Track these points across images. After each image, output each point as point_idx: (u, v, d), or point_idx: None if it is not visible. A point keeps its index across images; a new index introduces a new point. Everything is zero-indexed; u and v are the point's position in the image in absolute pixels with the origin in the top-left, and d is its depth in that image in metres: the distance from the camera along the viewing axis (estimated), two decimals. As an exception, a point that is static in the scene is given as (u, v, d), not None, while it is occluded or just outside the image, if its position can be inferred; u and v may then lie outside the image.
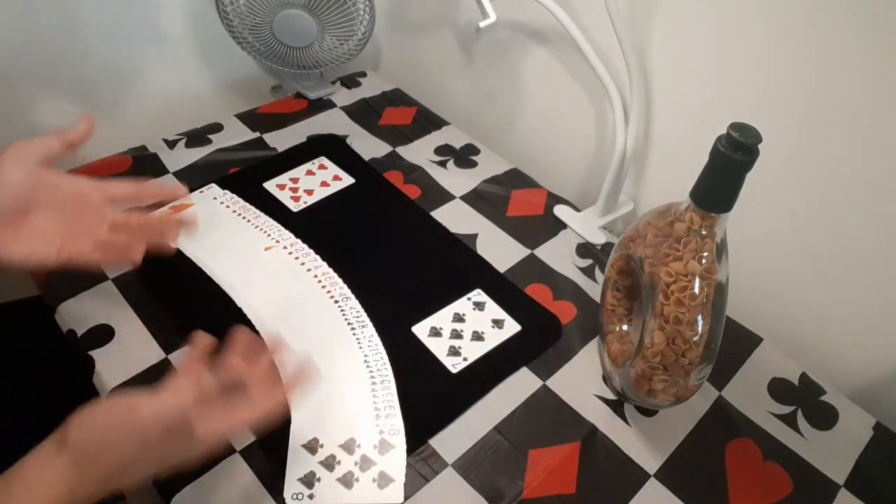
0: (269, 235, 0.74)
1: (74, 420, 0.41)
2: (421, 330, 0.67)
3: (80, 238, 0.56)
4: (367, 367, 0.62)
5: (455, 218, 0.80)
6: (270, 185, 0.81)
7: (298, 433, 0.57)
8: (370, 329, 0.66)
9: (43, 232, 0.54)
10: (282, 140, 0.89)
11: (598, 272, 0.76)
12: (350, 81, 1.03)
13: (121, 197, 0.58)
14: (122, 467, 0.41)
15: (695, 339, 0.51)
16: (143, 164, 0.82)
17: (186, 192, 0.63)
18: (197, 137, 0.88)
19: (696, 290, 0.51)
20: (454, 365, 0.64)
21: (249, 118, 0.93)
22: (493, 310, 0.69)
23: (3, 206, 0.52)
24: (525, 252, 0.78)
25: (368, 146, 0.90)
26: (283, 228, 0.75)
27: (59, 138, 0.55)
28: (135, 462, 0.42)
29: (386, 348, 0.64)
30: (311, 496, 0.53)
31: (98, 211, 0.57)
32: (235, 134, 0.90)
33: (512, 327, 0.68)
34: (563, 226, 0.82)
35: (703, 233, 0.51)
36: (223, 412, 0.47)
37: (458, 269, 0.74)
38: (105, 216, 0.58)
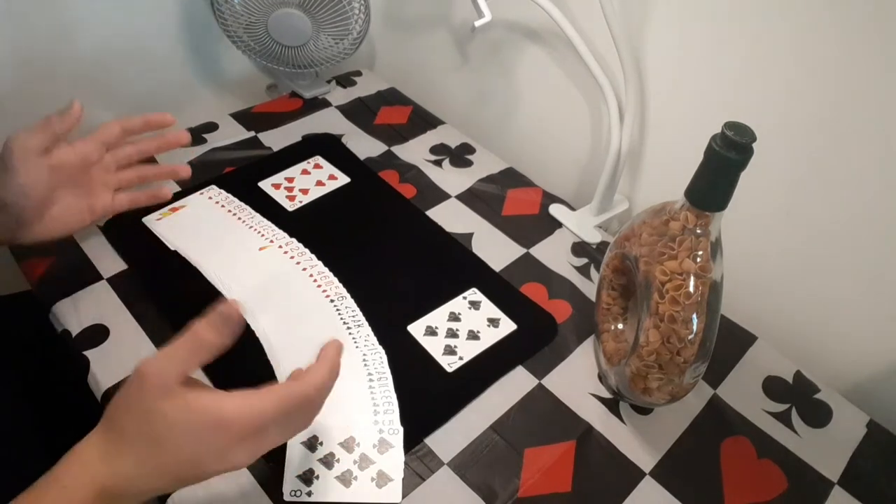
0: (263, 235, 0.74)
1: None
2: (416, 329, 0.67)
3: (100, 194, 0.63)
4: (365, 365, 0.62)
5: (450, 217, 0.80)
6: (266, 185, 0.81)
7: (296, 432, 0.57)
8: (366, 328, 0.66)
9: (69, 206, 0.61)
10: (277, 139, 0.89)
11: (593, 271, 0.77)
12: (345, 80, 1.03)
13: (112, 137, 0.63)
14: (160, 436, 0.40)
15: (689, 337, 0.51)
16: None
17: (172, 119, 0.65)
18: (192, 136, 0.88)
19: (691, 289, 0.51)
20: (450, 364, 0.64)
21: (244, 117, 0.93)
22: (489, 309, 0.69)
23: (33, 204, 0.57)
24: (520, 251, 0.78)
25: (364, 145, 0.90)
26: (277, 228, 0.75)
27: (51, 132, 0.58)
28: (175, 430, 0.40)
29: (382, 347, 0.64)
30: (309, 493, 0.53)
31: (101, 163, 0.63)
32: (230, 133, 0.89)
33: (507, 326, 0.68)
34: (559, 225, 0.82)
35: (698, 231, 0.51)
36: (289, 424, 0.46)
37: (454, 268, 0.74)
38: (109, 163, 0.64)
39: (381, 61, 1.16)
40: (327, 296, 0.68)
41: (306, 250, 0.73)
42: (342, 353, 0.49)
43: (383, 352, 0.64)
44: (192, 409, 0.40)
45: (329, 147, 0.89)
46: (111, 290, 0.67)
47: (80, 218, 0.62)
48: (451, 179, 0.86)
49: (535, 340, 0.68)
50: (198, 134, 0.88)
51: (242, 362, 0.62)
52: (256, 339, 0.63)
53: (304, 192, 0.81)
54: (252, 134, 0.90)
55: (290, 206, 0.79)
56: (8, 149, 0.56)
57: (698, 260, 0.51)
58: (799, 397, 0.67)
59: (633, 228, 0.59)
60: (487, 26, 0.71)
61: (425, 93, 1.03)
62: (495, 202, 0.84)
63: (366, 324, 0.66)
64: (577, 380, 0.65)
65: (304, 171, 0.84)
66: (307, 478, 0.54)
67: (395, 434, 0.58)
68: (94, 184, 0.63)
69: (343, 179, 0.83)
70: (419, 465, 0.57)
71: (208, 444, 0.41)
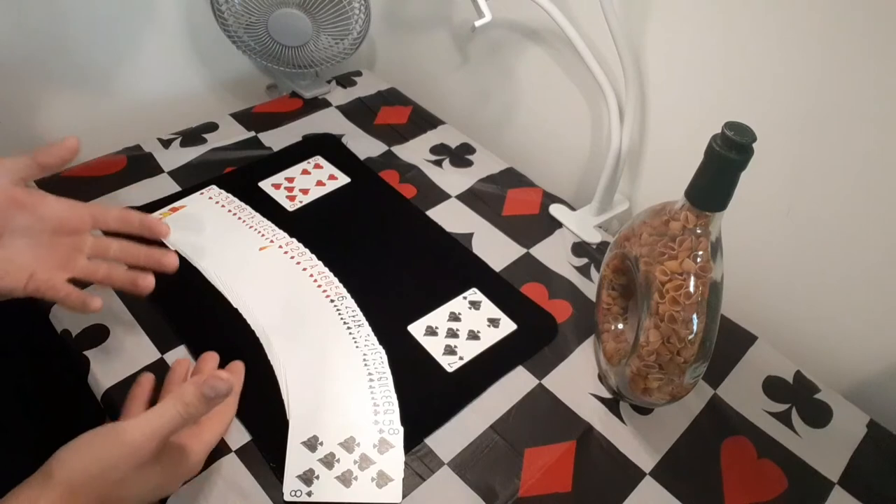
0: (263, 235, 0.74)
1: (57, 457, 0.40)
2: (417, 329, 0.67)
3: (54, 268, 0.53)
4: (365, 365, 0.62)
5: (451, 217, 0.80)
6: (266, 185, 0.81)
7: (298, 431, 0.57)
8: (366, 328, 0.66)
9: (14, 259, 0.51)
10: (277, 139, 0.89)
11: (593, 271, 0.77)
12: (345, 80, 1.03)
13: (103, 227, 0.56)
14: (116, 495, 0.41)
15: (690, 337, 0.51)
16: (137, 163, 0.82)
17: (169, 231, 0.59)
18: (192, 137, 0.88)
19: (691, 289, 0.51)
20: (450, 364, 0.64)
21: (245, 117, 0.93)
22: (489, 309, 0.69)
23: None
24: (521, 251, 0.78)
25: (364, 145, 0.90)
26: (278, 228, 0.75)
27: (33, 159, 0.52)
28: (131, 487, 0.41)
29: (382, 347, 0.64)
30: (309, 493, 0.53)
31: (76, 238, 0.54)
32: (230, 133, 0.89)
33: (507, 326, 0.68)
34: (559, 225, 0.82)
35: (698, 231, 0.51)
36: (209, 420, 0.48)
37: (454, 269, 0.74)
38: (83, 244, 0.55)
39: (381, 61, 1.16)
40: (327, 296, 0.68)
41: (306, 250, 0.73)
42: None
43: (383, 352, 0.64)
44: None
45: (329, 147, 0.89)
46: (112, 291, 0.67)
47: (17, 278, 0.50)
48: (451, 179, 0.86)
49: (535, 340, 0.68)
50: (198, 134, 0.88)
51: (243, 363, 0.62)
52: (257, 339, 0.64)
53: (305, 192, 0.81)
54: (252, 134, 0.90)
55: (290, 206, 0.79)
56: None
57: (698, 260, 0.51)
58: (799, 397, 0.67)
59: (633, 228, 0.59)
60: (487, 26, 0.71)
61: (425, 93, 1.03)
62: (495, 202, 0.84)
63: (366, 324, 0.66)
64: (577, 380, 0.65)
65: (305, 171, 0.84)
66: (307, 478, 0.54)
67: (396, 434, 0.58)
68: (54, 254, 0.53)
69: (343, 179, 0.83)
70: (419, 465, 0.57)
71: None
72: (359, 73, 1.05)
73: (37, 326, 0.67)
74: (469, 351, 0.65)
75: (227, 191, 0.79)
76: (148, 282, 0.56)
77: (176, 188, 0.79)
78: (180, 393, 0.43)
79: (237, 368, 0.54)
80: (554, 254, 0.78)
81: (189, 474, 0.47)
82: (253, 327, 0.64)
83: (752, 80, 0.66)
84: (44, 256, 0.52)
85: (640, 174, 0.84)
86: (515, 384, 0.64)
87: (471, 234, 0.79)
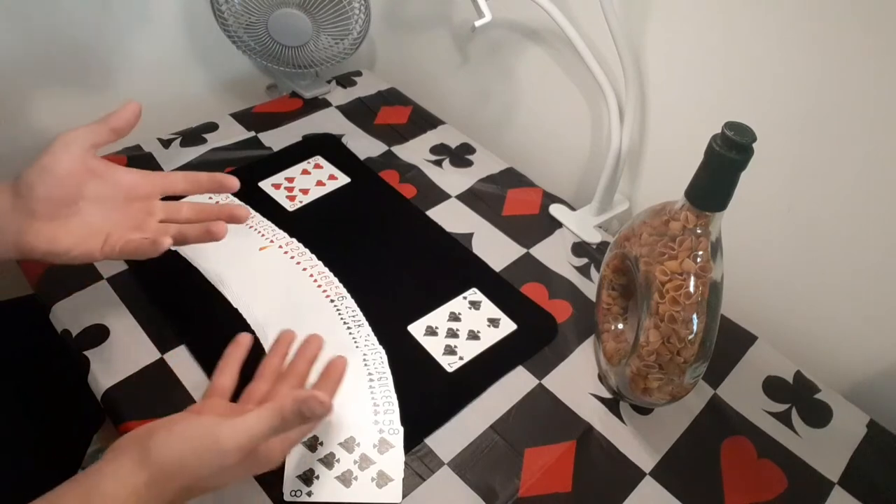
0: (263, 235, 0.74)
1: (155, 440, 0.42)
2: (417, 329, 0.67)
3: (127, 230, 0.54)
4: (365, 365, 0.62)
5: (451, 217, 0.80)
6: (266, 185, 0.81)
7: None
8: (366, 328, 0.66)
9: (90, 223, 0.53)
10: (277, 139, 0.89)
11: (593, 271, 0.77)
12: (345, 80, 1.03)
13: (172, 190, 0.57)
14: (193, 487, 0.43)
15: (690, 337, 0.51)
16: (137, 163, 0.82)
17: (238, 184, 0.58)
18: (192, 136, 0.88)
19: (691, 289, 0.51)
20: (450, 364, 0.64)
21: (245, 117, 0.93)
22: (489, 309, 0.69)
23: (53, 196, 0.50)
24: (521, 251, 0.78)
25: (364, 145, 0.90)
26: (278, 228, 0.75)
27: (104, 125, 0.54)
28: (207, 482, 0.43)
29: (382, 347, 0.64)
30: (309, 493, 0.53)
31: (147, 203, 0.56)
32: (230, 133, 0.90)
33: (507, 326, 0.68)
34: (559, 225, 0.82)
35: (698, 231, 0.51)
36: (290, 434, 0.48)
37: (454, 269, 0.74)
38: (155, 209, 0.56)
39: (381, 61, 1.16)
40: (327, 296, 0.68)
41: (306, 250, 0.73)
42: (344, 372, 0.53)
43: (383, 352, 0.64)
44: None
45: (329, 147, 0.89)
46: (111, 290, 0.67)
47: (94, 242, 0.52)
48: (451, 179, 0.86)
49: (535, 340, 0.68)
50: (198, 134, 0.88)
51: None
52: (257, 339, 0.63)
53: (305, 192, 0.81)
54: (252, 134, 0.90)
55: (290, 206, 0.79)
56: (55, 137, 0.52)
57: (698, 260, 0.51)
58: (799, 397, 0.67)
59: (633, 228, 0.59)
60: (487, 26, 0.71)
61: (425, 93, 1.03)
62: (495, 202, 0.84)
63: (366, 324, 0.66)
64: (577, 380, 0.65)
65: (305, 171, 0.84)
66: (307, 478, 0.54)
67: (396, 434, 0.58)
68: (127, 217, 0.55)
69: (343, 179, 0.83)
70: (419, 465, 0.57)
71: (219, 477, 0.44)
72: (359, 73, 1.05)
73: (37, 326, 0.67)
74: (469, 351, 0.65)
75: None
76: (221, 228, 0.56)
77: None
78: (279, 405, 0.43)
79: (338, 367, 0.54)
80: (554, 254, 0.78)
81: (267, 468, 0.47)
82: (253, 327, 0.64)
83: (752, 80, 0.66)
84: (117, 220, 0.54)
85: (640, 174, 0.84)
86: (515, 384, 0.64)
87: (471, 234, 0.79)
